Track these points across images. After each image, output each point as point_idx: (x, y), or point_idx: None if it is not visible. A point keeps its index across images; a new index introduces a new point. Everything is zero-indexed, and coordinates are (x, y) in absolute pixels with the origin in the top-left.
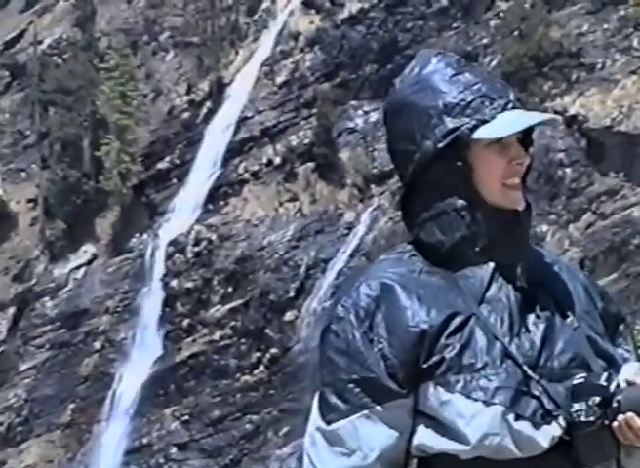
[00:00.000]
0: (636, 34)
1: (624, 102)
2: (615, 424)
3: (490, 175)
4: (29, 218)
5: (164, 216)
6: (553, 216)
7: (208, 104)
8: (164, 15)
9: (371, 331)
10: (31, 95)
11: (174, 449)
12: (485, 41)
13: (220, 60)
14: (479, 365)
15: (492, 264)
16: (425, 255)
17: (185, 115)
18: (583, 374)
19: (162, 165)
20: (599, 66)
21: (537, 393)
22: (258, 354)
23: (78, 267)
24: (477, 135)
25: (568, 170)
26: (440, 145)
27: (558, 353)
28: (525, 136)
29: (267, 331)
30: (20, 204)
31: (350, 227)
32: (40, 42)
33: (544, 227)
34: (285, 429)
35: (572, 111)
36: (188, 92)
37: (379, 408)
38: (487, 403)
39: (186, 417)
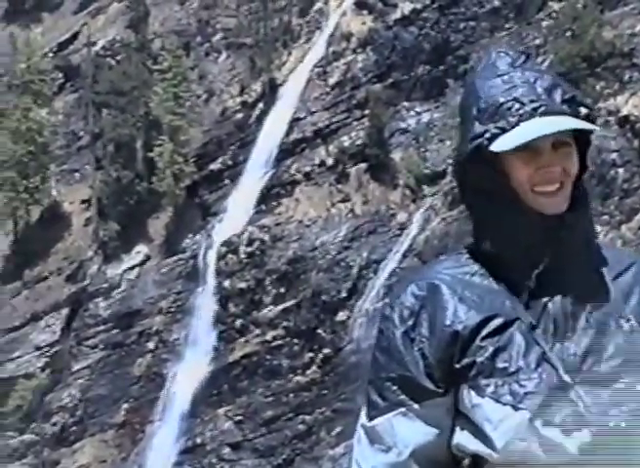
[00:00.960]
0: None
1: None
2: None
3: (517, 180)
4: (83, 219)
5: (217, 217)
6: (605, 217)
7: (260, 105)
8: (217, 16)
9: (413, 331)
10: (85, 96)
11: (227, 449)
12: (537, 41)
13: (273, 62)
14: (512, 369)
15: (538, 268)
16: (481, 258)
17: (238, 116)
18: (627, 380)
19: (215, 166)
20: None
21: (573, 398)
22: (310, 354)
23: (131, 268)
24: (493, 146)
25: (620, 170)
26: (468, 151)
27: (607, 358)
28: (578, 139)
29: (320, 331)
30: (73, 205)
31: (402, 228)
32: (94, 43)
33: (597, 228)
34: (337, 429)
35: (624, 111)
36: (241, 93)
37: (415, 406)
38: (515, 407)
39: (239, 417)
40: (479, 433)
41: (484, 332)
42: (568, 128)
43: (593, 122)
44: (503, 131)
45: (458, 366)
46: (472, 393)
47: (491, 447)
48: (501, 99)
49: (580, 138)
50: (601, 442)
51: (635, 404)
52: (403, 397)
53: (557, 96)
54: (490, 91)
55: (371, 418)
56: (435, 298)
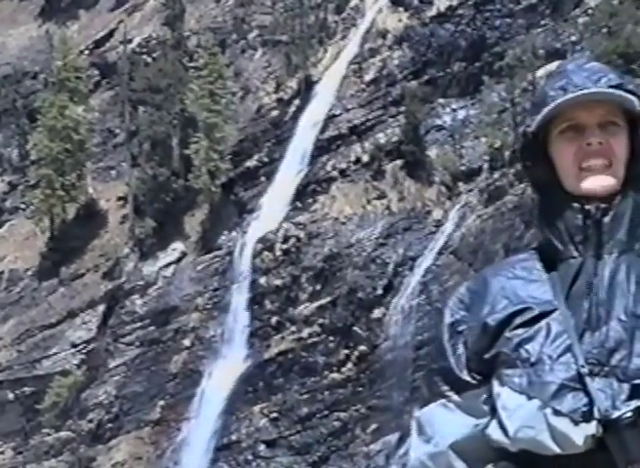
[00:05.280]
0: None
1: None
2: None
3: (563, 161)
4: (119, 216)
5: (252, 214)
6: None
7: (296, 102)
8: (252, 13)
9: (463, 323)
10: (121, 93)
11: (262, 446)
12: (573, 38)
13: (309, 58)
14: (533, 359)
15: (580, 258)
16: (539, 250)
17: (274, 113)
18: None
19: (250, 163)
20: None
21: (590, 391)
22: (346, 351)
23: (167, 265)
24: (531, 127)
25: None
26: (519, 141)
27: (638, 354)
28: (631, 123)
29: (355, 328)
30: (109, 202)
31: (438, 225)
32: (130, 41)
33: None
34: (373, 426)
35: None
36: (277, 90)
37: (455, 397)
38: (529, 397)
39: (275, 414)
40: (500, 422)
41: (514, 324)
42: (597, 94)
43: None
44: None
45: (487, 357)
46: (496, 383)
47: (506, 434)
48: (549, 91)
49: (632, 129)
50: (608, 434)
51: None
52: (444, 388)
53: (602, 82)
54: (544, 88)
55: (420, 408)
56: (484, 292)
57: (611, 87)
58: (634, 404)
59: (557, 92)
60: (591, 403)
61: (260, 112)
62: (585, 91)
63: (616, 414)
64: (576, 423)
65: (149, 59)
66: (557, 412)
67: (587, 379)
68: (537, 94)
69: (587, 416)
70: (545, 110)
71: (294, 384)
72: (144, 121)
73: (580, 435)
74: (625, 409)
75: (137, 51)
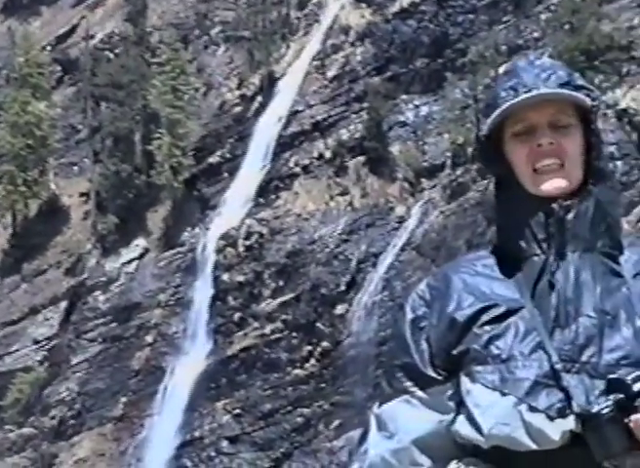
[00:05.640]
0: None
1: None
2: (631, 423)
3: (518, 163)
4: (81, 213)
5: (215, 210)
6: None
7: (259, 98)
8: (215, 9)
9: (424, 319)
10: (83, 89)
11: (225, 443)
12: (536, 34)
13: (272, 55)
14: (504, 356)
15: (543, 256)
16: (497, 249)
17: (236, 109)
18: (622, 372)
19: (213, 159)
20: None
21: (566, 386)
22: (309, 347)
23: (130, 261)
24: (483, 131)
25: (619, 163)
26: (476, 148)
27: (608, 350)
28: (583, 119)
29: (318, 324)
30: (72, 198)
31: (401, 221)
32: (92, 37)
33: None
34: (336, 422)
35: (623, 104)
36: (239, 86)
37: (419, 392)
38: (503, 393)
39: (238, 411)
40: (471, 419)
41: (482, 321)
42: (546, 95)
43: (596, 105)
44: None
45: (454, 353)
46: (466, 380)
47: (479, 432)
48: (500, 91)
49: (587, 125)
50: (587, 429)
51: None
52: (408, 384)
53: (552, 80)
54: (495, 88)
55: (380, 405)
56: (446, 289)
57: (560, 85)
58: (613, 398)
59: (508, 92)
60: (566, 399)
61: (223, 108)
62: (534, 92)
63: (595, 409)
64: (551, 419)
65: (112, 55)
66: (532, 409)
67: (563, 375)
68: (489, 94)
69: (563, 412)
70: (496, 113)
71: (257, 380)
72: (107, 117)
73: (557, 430)
74: (605, 404)
75: (99, 47)
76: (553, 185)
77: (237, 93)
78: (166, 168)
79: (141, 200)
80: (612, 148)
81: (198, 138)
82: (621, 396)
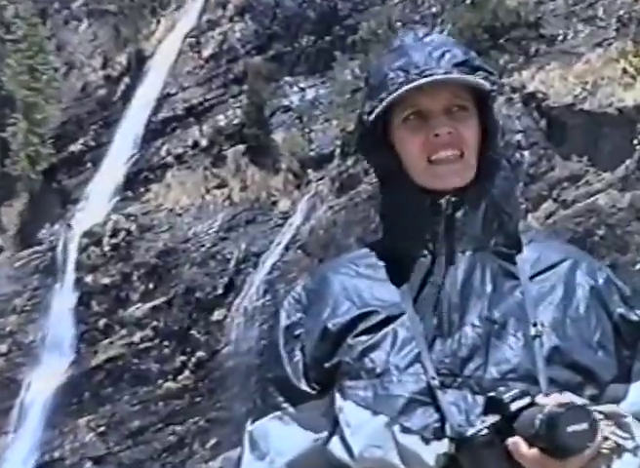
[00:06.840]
0: (601, 2)
1: (588, 78)
2: (509, 446)
3: (409, 153)
4: None
5: (77, 205)
6: None
7: (126, 80)
8: None
9: (300, 326)
10: None
11: (89, 464)
12: (434, 10)
13: (140, 31)
14: (379, 370)
15: (430, 257)
16: (379, 247)
17: (101, 92)
18: (503, 389)
19: (75, 147)
20: (560, 38)
21: (440, 405)
22: (182, 358)
23: None
24: (370, 115)
25: (526, 153)
26: (357, 133)
27: (495, 362)
28: (479, 103)
29: (193, 331)
30: None
31: (285, 217)
32: None
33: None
34: (212, 441)
35: (530, 88)
36: (104, 66)
37: (291, 409)
38: (375, 412)
39: (103, 428)
40: (343, 439)
41: (358, 330)
42: (439, 80)
43: (495, 89)
44: (382, 102)
45: (327, 365)
46: (338, 395)
47: (350, 454)
48: (388, 72)
49: (484, 109)
50: (461, 453)
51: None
52: (280, 399)
53: (446, 60)
54: (381, 67)
55: (252, 422)
56: (323, 292)
57: (456, 65)
58: (490, 420)
59: (397, 73)
60: (443, 418)
61: (86, 91)
62: (429, 76)
63: (470, 432)
64: (427, 441)
65: None
66: (406, 430)
67: (438, 392)
68: (373, 72)
69: (439, 433)
70: (387, 99)
71: (124, 394)
72: None
73: (432, 454)
74: (480, 426)
75: None
76: (452, 177)
77: (101, 73)
78: (22, 157)
79: None
80: (518, 136)
81: (58, 124)
82: (498, 418)
